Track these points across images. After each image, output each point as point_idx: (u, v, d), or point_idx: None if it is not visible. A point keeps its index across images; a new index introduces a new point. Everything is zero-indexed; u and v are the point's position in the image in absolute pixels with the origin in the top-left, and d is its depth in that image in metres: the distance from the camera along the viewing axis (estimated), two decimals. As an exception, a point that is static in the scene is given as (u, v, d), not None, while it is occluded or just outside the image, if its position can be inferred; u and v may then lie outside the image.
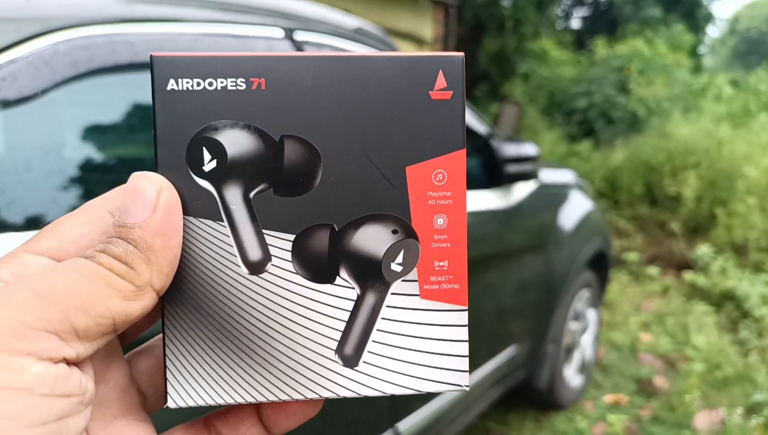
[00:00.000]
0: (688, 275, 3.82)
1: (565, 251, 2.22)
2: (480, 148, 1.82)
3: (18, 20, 0.82)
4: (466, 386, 0.32)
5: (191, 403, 0.30)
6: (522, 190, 1.94)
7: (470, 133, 1.79)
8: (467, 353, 0.32)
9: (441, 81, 0.31)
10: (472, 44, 8.66)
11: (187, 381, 0.30)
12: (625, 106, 6.38)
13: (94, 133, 0.96)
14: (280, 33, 1.21)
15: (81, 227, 0.28)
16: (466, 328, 0.32)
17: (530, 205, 1.99)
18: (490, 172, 1.82)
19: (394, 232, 0.31)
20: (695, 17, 11.41)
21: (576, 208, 2.35)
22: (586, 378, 2.57)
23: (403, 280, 0.31)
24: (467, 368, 0.32)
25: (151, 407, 0.32)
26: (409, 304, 0.31)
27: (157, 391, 0.32)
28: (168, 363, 0.30)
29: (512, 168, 1.81)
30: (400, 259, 0.31)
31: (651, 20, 9.73)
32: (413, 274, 0.31)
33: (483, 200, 1.74)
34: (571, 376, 2.44)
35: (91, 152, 0.95)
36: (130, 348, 0.34)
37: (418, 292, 0.31)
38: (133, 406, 0.31)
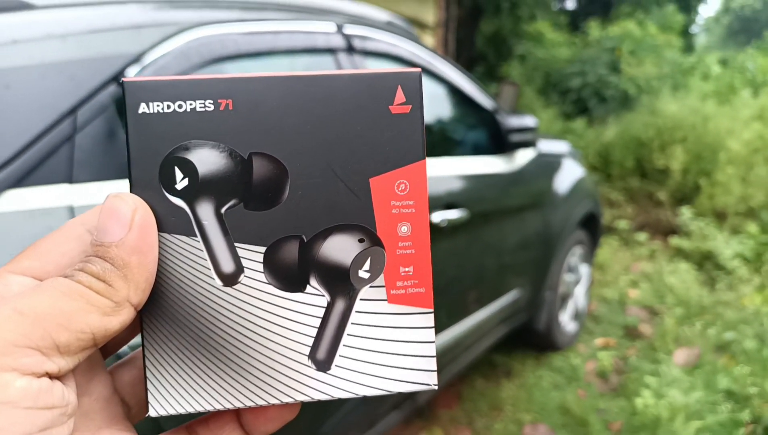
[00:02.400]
0: (674, 240, 4.16)
1: (559, 211, 2.55)
2: (487, 121, 2.14)
3: (164, 24, 1.14)
4: (435, 385, 0.33)
5: (172, 411, 0.31)
6: (523, 157, 2.26)
7: (477, 107, 2.11)
8: (435, 354, 0.33)
9: (400, 96, 0.33)
10: (469, 27, 8.92)
11: (167, 390, 0.31)
12: (617, 85, 6.71)
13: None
14: (333, 27, 1.53)
15: (61, 246, 0.29)
16: (433, 329, 0.33)
17: (530, 170, 2.32)
18: (495, 141, 2.14)
19: (361, 240, 0.32)
20: (687, -3, 11.64)
21: (569, 174, 2.68)
22: (579, 325, 2.91)
23: (370, 286, 0.32)
24: (435, 368, 0.33)
25: (135, 417, 0.33)
26: (378, 308, 0.32)
27: (140, 401, 0.33)
28: (148, 373, 0.31)
29: (515, 137, 2.14)
30: (367, 266, 0.32)
31: (643, 1, 9.98)
32: (380, 280, 0.32)
33: (491, 165, 2.07)
34: (566, 321, 2.78)
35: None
36: (114, 361, 0.35)
37: (385, 297, 0.33)
38: (117, 416, 0.32)
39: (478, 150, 2.12)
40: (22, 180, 0.93)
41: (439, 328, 1.79)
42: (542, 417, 2.27)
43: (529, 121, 2.19)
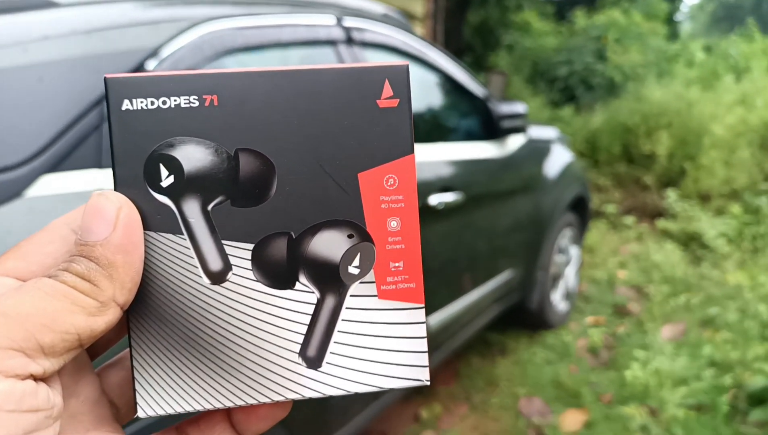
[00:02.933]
0: (661, 222, 4.28)
1: (550, 195, 2.65)
2: (479, 108, 2.23)
3: (179, 19, 1.21)
4: (427, 381, 0.33)
5: (161, 412, 0.31)
6: (514, 142, 2.36)
7: (470, 95, 2.20)
8: (426, 349, 0.33)
9: (387, 90, 0.32)
10: (457, 18, 8.99)
11: (155, 391, 0.31)
12: (603, 73, 6.83)
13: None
14: (333, 20, 1.61)
15: (45, 247, 0.29)
16: (425, 324, 0.33)
17: (521, 155, 2.41)
18: (487, 127, 2.23)
19: (350, 236, 0.32)
20: (671, -15, 11.77)
21: (558, 159, 2.78)
22: (570, 304, 3.02)
23: (360, 282, 0.32)
24: (427, 363, 0.33)
25: (124, 418, 0.33)
26: (368, 304, 0.32)
27: (128, 402, 0.33)
28: (136, 374, 0.31)
29: (506, 123, 2.23)
30: (356, 262, 0.32)
31: (628, -11, 10.10)
32: (370, 276, 0.32)
33: (483, 150, 2.16)
34: (558, 301, 2.89)
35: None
36: (101, 362, 0.35)
37: (376, 293, 0.32)
38: (105, 418, 0.31)
39: (471, 136, 2.21)
40: (56, 166, 1.00)
41: (436, 306, 1.88)
42: (536, 391, 2.37)
43: (519, 107, 2.29)
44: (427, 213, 1.72)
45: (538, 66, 7.48)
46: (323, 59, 1.57)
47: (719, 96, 5.30)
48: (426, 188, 1.72)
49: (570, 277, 2.99)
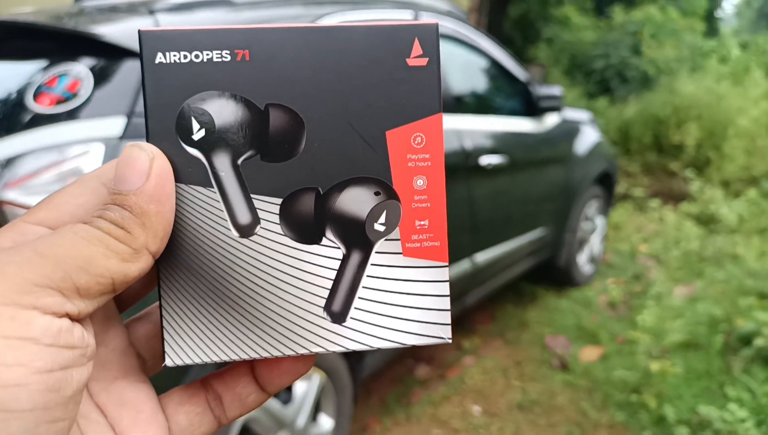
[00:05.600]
0: (684, 205, 4.65)
1: (579, 168, 3.07)
2: (522, 90, 2.67)
3: (294, 17, 1.68)
4: (449, 338, 0.33)
5: (188, 361, 0.32)
6: (550, 120, 2.79)
7: (514, 78, 2.64)
8: (449, 307, 0.33)
9: (417, 48, 0.32)
10: (499, 11, 9.35)
11: (183, 341, 0.31)
12: (638, 67, 7.16)
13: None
14: (410, 15, 2.07)
15: (77, 198, 0.30)
16: (448, 283, 0.33)
17: (555, 132, 2.84)
18: (528, 106, 2.67)
19: (377, 193, 0.32)
20: (713, -18, 11.88)
21: (588, 138, 3.20)
22: (594, 268, 3.44)
23: (386, 240, 0.32)
24: (449, 321, 0.33)
25: (150, 370, 0.34)
26: (393, 262, 0.32)
27: (154, 355, 0.34)
28: (165, 324, 0.32)
29: (543, 103, 2.67)
30: (382, 219, 0.32)
31: (668, -14, 10.30)
32: (396, 234, 0.32)
33: (524, 125, 2.60)
34: (583, 262, 3.32)
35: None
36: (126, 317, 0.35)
37: (400, 251, 0.33)
38: (132, 368, 0.32)
39: (514, 112, 2.65)
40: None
41: (481, 247, 2.34)
42: (561, 331, 2.81)
43: (555, 90, 2.72)
44: (477, 171, 2.18)
45: (576, 59, 7.83)
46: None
47: (747, 90, 5.60)
48: (477, 151, 2.17)
49: (595, 243, 3.41)
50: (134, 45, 1.31)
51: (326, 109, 0.32)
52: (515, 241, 2.57)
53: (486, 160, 2.21)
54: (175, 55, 0.30)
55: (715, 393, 2.22)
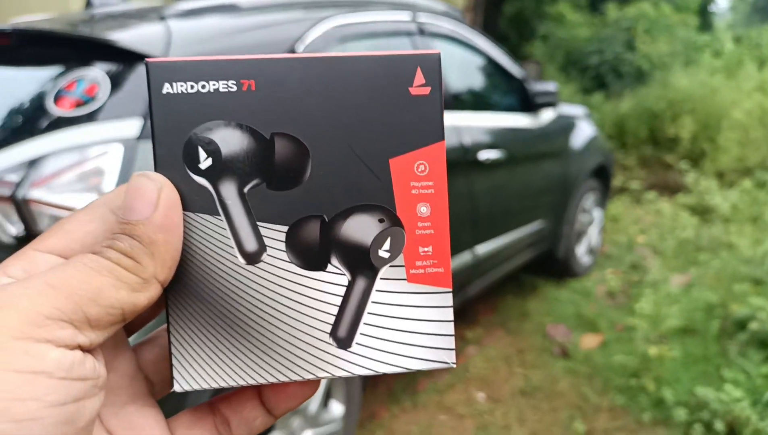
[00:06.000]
0: (680, 197, 4.72)
1: (575, 162, 3.14)
2: (517, 86, 2.74)
3: (313, 19, 1.75)
4: (453, 363, 0.34)
5: (196, 387, 0.32)
6: (546, 116, 2.86)
7: (510, 75, 2.71)
8: (453, 332, 0.34)
9: (419, 78, 0.33)
10: (494, 9, 9.44)
11: (191, 366, 0.32)
12: (632, 62, 7.25)
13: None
14: (408, 16, 2.14)
15: (85, 225, 0.30)
16: (452, 308, 0.34)
17: (551, 126, 2.91)
18: (524, 102, 2.74)
19: (381, 220, 0.33)
20: (705, -24, 11.98)
21: (583, 132, 3.27)
22: (592, 259, 3.51)
23: (390, 266, 0.33)
24: (453, 346, 0.34)
25: (158, 394, 0.34)
26: (397, 287, 0.33)
27: (162, 378, 0.34)
28: (173, 350, 0.32)
29: (539, 99, 2.74)
30: (387, 245, 0.33)
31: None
32: (400, 260, 0.33)
33: (521, 121, 2.67)
34: (582, 254, 3.39)
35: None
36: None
37: (405, 277, 0.33)
38: (141, 392, 0.33)
39: (511, 108, 2.73)
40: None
41: (482, 239, 2.41)
42: (561, 320, 2.88)
43: (550, 86, 2.79)
44: (476, 166, 2.25)
45: (570, 55, 7.92)
46: (401, 47, 2.11)
47: (740, 83, 5.68)
48: (476, 146, 2.24)
49: (593, 235, 3.48)
50: (147, 50, 1.38)
51: (331, 137, 0.32)
52: (515, 234, 2.64)
53: (484, 155, 2.28)
54: (182, 86, 0.31)
55: (711, 376, 2.29)
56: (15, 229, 1.26)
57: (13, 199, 1.23)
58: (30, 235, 1.24)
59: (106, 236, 0.30)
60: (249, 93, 0.31)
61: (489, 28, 8.93)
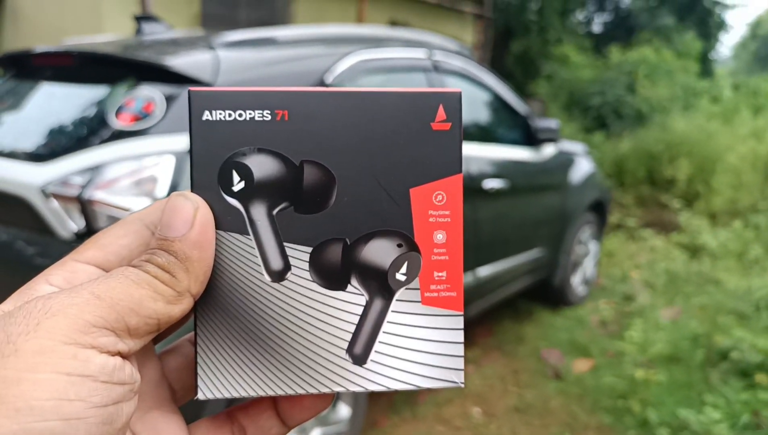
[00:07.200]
0: (674, 236, 4.90)
1: (573, 196, 3.33)
2: (521, 122, 2.94)
3: (340, 53, 1.94)
4: (462, 383, 0.35)
5: (218, 395, 0.34)
6: (548, 151, 3.05)
7: (515, 111, 2.91)
8: (463, 353, 0.35)
9: (441, 114, 0.35)
10: (501, 48, 9.76)
11: (215, 375, 0.34)
12: (633, 105, 7.51)
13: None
14: (425, 54, 2.34)
15: (121, 239, 0.32)
16: (462, 331, 0.35)
17: (552, 161, 3.11)
18: (528, 137, 2.94)
19: (399, 245, 0.34)
20: (707, 25, 12.37)
21: (582, 168, 3.46)
22: (587, 290, 3.67)
23: (406, 289, 0.35)
24: (463, 367, 0.35)
25: (180, 401, 0.36)
26: (412, 309, 0.35)
27: (184, 386, 0.36)
28: (199, 359, 0.33)
29: (542, 135, 2.94)
30: (404, 269, 0.34)
31: (664, 29, 10.75)
32: (415, 283, 0.35)
33: (524, 154, 2.87)
34: (577, 284, 3.55)
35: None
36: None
37: (419, 299, 0.35)
38: (165, 399, 0.35)
39: (515, 142, 2.92)
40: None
41: (484, 262, 2.57)
42: (555, 345, 3.03)
43: (553, 123, 2.99)
44: (481, 194, 2.43)
45: (573, 95, 8.19)
46: (418, 83, 2.30)
47: (735, 129, 5.91)
48: (481, 175, 2.43)
49: (588, 266, 3.65)
50: (199, 75, 1.57)
51: (356, 166, 0.34)
52: (514, 259, 2.81)
53: (489, 184, 2.47)
54: (220, 113, 0.33)
55: (694, 400, 2.44)
56: (76, 225, 1.43)
57: (79, 199, 1.40)
58: (90, 231, 1.41)
59: (141, 250, 0.32)
60: (282, 122, 0.33)
61: (496, 66, 9.23)
